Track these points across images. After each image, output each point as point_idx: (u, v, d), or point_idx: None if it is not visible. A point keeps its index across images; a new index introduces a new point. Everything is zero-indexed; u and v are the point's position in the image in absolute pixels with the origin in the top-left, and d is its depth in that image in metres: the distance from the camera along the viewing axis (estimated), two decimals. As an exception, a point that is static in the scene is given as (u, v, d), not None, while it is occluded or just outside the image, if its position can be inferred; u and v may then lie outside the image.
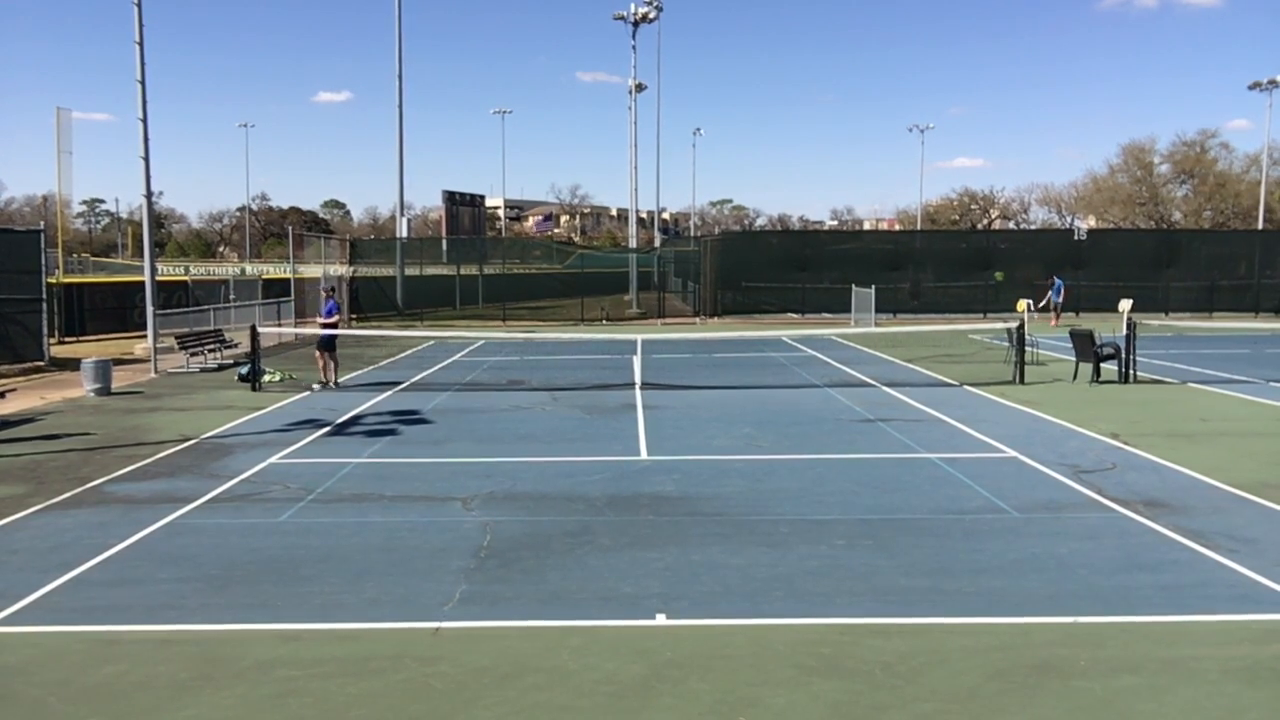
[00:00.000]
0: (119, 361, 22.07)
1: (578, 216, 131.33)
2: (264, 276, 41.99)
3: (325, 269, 34.27)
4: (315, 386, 18.71)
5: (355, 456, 12.20)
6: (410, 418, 15.16)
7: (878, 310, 34.24)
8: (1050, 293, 35.54)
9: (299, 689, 5.68)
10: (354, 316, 35.45)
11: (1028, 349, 19.71)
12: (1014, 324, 20.27)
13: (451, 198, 64.74)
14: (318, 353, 19.14)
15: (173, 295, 33.59)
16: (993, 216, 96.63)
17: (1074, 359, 19.89)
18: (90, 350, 24.34)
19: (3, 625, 6.71)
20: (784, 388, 18.72)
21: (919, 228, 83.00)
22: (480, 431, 14.07)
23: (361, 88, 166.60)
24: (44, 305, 22.78)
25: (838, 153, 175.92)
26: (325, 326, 19.31)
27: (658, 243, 61.45)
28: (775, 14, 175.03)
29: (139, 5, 21.39)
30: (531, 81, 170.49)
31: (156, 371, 21.22)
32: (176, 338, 22.90)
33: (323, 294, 20.67)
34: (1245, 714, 5.37)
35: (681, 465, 11.60)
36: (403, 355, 25.22)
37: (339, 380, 19.25)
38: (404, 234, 41.59)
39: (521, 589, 7.33)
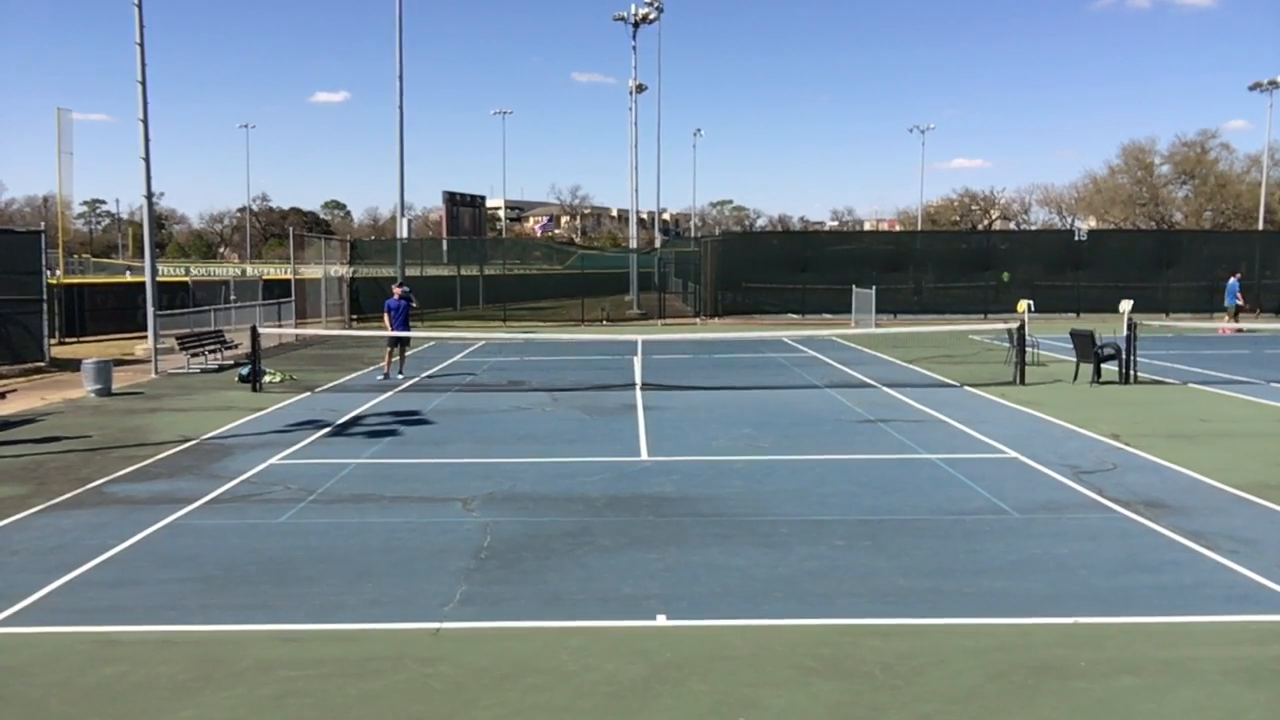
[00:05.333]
0: (119, 362, 22.07)
1: (578, 217, 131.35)
2: (265, 277, 41.99)
3: (327, 269, 34.27)
4: (380, 377, 20.34)
5: (355, 457, 12.20)
6: (410, 418, 15.16)
7: (878, 311, 34.22)
8: (1229, 295, 33.28)
9: (299, 690, 5.68)
10: (354, 317, 35.46)
11: (1028, 349, 19.70)
12: (1014, 324, 20.27)
13: (452, 198, 64.76)
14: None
15: (174, 296, 33.59)
16: (993, 217, 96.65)
17: (1074, 360, 19.89)
18: (91, 351, 24.35)
19: (3, 626, 6.70)
20: (784, 388, 18.71)
21: (919, 228, 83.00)
22: (480, 432, 14.07)
23: (359, 88, 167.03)
24: (44, 306, 22.78)
25: (838, 153, 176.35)
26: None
27: (658, 243, 61.45)
28: (775, 14, 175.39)
29: (139, 6, 21.40)
30: (528, 83, 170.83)
31: (157, 372, 21.22)
32: (177, 338, 22.90)
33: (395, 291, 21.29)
34: (1246, 715, 5.36)
35: (681, 466, 11.60)
36: (403, 356, 25.19)
37: (400, 372, 20.57)
38: (404, 235, 41.56)
39: (521, 590, 7.33)
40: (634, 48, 46.30)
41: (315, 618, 6.79)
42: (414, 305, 21.60)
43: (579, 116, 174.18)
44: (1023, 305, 33.16)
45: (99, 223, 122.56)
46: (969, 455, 12.15)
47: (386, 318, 20.84)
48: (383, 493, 10.34)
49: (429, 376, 20.92)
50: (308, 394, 18.06)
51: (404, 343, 21.11)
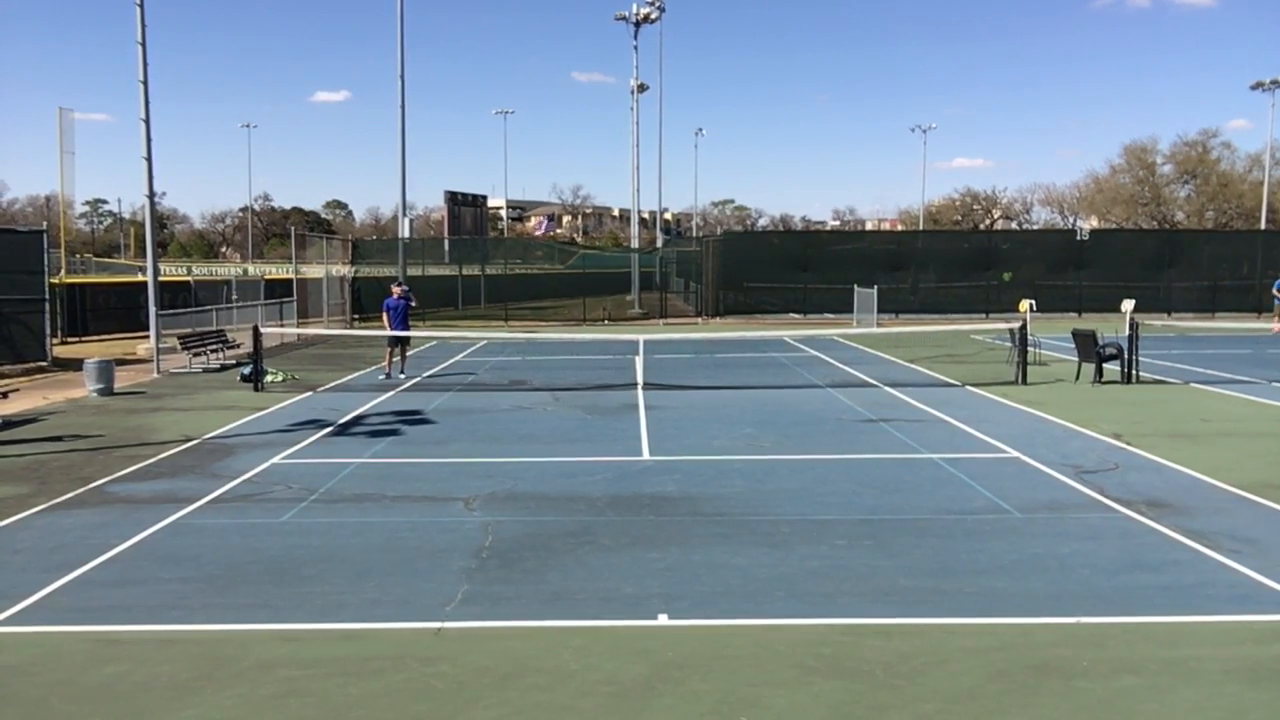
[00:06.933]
0: (122, 362, 22.09)
1: (580, 217, 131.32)
2: (266, 277, 42.05)
3: (328, 269, 34.29)
4: (381, 377, 20.45)
5: (357, 457, 12.21)
6: (412, 418, 15.16)
7: (880, 310, 34.22)
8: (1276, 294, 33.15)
9: (300, 689, 5.68)
10: (356, 317, 35.47)
11: (1030, 349, 19.69)
12: (1016, 324, 20.26)
13: (454, 198, 64.89)
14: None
15: (175, 296, 33.64)
16: (995, 217, 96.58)
17: (1076, 359, 19.88)
18: (93, 350, 24.37)
19: (5, 625, 6.71)
20: (786, 388, 18.71)
21: (921, 228, 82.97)
22: (482, 432, 14.07)
23: (359, 87, 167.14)
24: (47, 305, 22.79)
25: (839, 153, 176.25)
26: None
27: (660, 243, 61.45)
28: (775, 14, 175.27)
29: (141, 5, 21.41)
30: (529, 82, 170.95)
31: (159, 372, 21.24)
32: (179, 338, 22.92)
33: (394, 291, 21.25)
34: (1247, 714, 5.36)
35: (683, 465, 11.60)
36: (405, 355, 25.19)
37: (401, 372, 20.66)
38: (406, 234, 41.58)
39: (523, 589, 7.33)
40: (635, 47, 46.33)
41: (317, 617, 6.79)
42: (413, 304, 21.60)
43: (580, 116, 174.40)
44: (1024, 305, 33.16)
45: (101, 222, 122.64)
46: (970, 455, 12.14)
47: (385, 317, 20.86)
48: (384, 492, 10.34)
49: (430, 376, 20.93)
50: (309, 394, 18.07)
51: (404, 342, 21.12)
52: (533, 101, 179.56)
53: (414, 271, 42.20)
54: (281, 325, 28.55)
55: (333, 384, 19.55)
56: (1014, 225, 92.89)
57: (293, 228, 51.70)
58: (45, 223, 29.70)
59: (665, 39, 77.84)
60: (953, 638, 6.37)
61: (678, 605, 6.95)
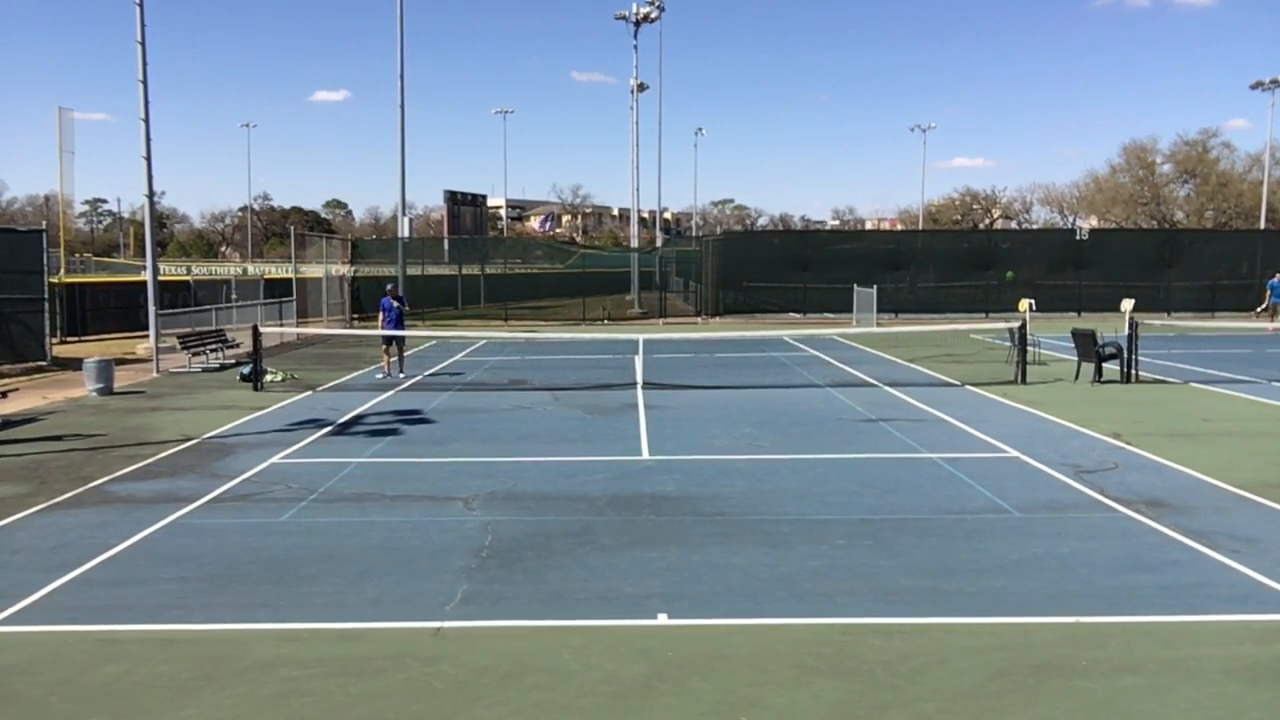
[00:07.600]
0: (121, 361, 22.08)
1: (579, 216, 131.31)
2: (266, 276, 42.04)
3: (328, 268, 34.29)
4: (380, 376, 20.57)
5: (357, 456, 12.20)
6: (412, 417, 15.16)
7: (879, 310, 34.22)
8: (1269, 294, 34.30)
9: (300, 689, 5.68)
10: (355, 316, 35.47)
11: (1029, 349, 19.69)
12: (1016, 323, 20.26)
13: (453, 197, 64.85)
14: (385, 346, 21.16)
15: (175, 295, 33.63)
16: (994, 216, 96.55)
17: (1076, 359, 19.88)
18: (92, 350, 24.35)
19: (4, 625, 6.71)
20: (785, 387, 18.71)
21: (921, 227, 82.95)
22: (482, 431, 14.07)
23: (359, 87, 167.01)
24: (46, 305, 22.79)
25: (838, 153, 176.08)
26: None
27: (659, 242, 61.47)
28: (775, 14, 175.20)
29: (140, 5, 21.39)
30: (528, 82, 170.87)
31: (158, 371, 21.24)
32: (179, 337, 22.91)
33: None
34: (1247, 714, 5.36)
35: (683, 465, 11.59)
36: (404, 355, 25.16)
37: (400, 372, 20.74)
38: (405, 234, 41.55)
39: (523, 589, 7.33)
40: (635, 47, 46.30)
41: (317, 617, 6.79)
42: (405, 309, 21.73)
43: (580, 116, 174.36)
44: (1024, 304, 33.17)
45: (100, 222, 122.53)
46: (970, 454, 12.14)
47: (381, 317, 21.06)
48: (384, 492, 10.34)
49: (430, 375, 20.93)
50: (309, 393, 18.07)
51: (400, 341, 21.17)
52: (532, 101, 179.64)
53: (414, 271, 42.18)
54: (281, 325, 28.52)
55: (332, 383, 19.54)
56: (1014, 225, 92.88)
57: (292, 227, 51.69)
58: (45, 222, 29.67)
59: (665, 38, 77.77)
60: (953, 637, 6.37)
61: (678, 605, 6.96)
